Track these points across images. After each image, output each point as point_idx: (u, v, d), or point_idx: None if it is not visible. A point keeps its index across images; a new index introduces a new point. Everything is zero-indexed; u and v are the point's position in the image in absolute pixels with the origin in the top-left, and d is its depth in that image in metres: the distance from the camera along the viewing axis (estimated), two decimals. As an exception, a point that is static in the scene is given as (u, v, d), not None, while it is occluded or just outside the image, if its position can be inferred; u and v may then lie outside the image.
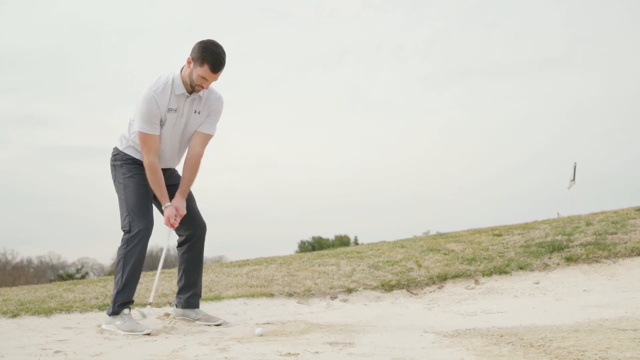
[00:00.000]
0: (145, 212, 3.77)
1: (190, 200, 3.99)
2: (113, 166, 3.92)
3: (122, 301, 3.71)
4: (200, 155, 3.89)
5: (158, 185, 3.78)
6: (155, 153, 3.76)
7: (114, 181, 3.90)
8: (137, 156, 3.86)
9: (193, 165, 3.88)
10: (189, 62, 3.69)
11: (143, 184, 3.82)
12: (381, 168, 56.63)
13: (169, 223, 3.80)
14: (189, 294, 4.09)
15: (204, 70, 3.63)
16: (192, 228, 3.99)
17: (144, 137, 3.72)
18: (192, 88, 3.73)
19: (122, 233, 3.75)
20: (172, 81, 3.74)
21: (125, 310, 3.71)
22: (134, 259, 3.69)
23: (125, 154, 3.88)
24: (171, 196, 3.89)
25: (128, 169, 3.85)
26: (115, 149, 3.94)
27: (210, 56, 3.61)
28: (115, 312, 3.71)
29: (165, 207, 3.79)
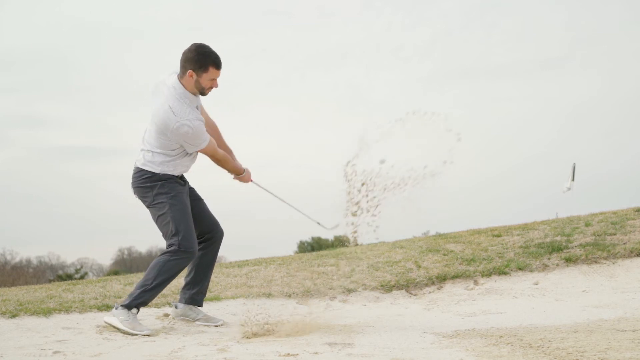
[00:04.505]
0: (194, 237, 3.85)
1: (205, 205, 4.12)
2: (149, 187, 3.83)
3: (142, 300, 3.76)
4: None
5: (232, 160, 4.04)
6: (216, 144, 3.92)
7: (152, 201, 3.83)
8: (175, 172, 3.87)
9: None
10: (190, 76, 3.75)
11: (186, 203, 3.89)
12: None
13: (249, 179, 4.09)
14: (195, 290, 4.13)
15: (211, 72, 3.76)
16: (210, 230, 4.08)
17: (211, 145, 3.83)
18: (201, 94, 3.86)
19: (169, 245, 3.79)
20: (188, 99, 3.78)
21: (134, 310, 3.75)
22: (173, 271, 3.79)
23: (164, 174, 3.83)
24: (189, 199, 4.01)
25: (170, 187, 3.83)
26: (147, 171, 3.83)
27: (209, 57, 3.75)
28: (129, 305, 3.74)
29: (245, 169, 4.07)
